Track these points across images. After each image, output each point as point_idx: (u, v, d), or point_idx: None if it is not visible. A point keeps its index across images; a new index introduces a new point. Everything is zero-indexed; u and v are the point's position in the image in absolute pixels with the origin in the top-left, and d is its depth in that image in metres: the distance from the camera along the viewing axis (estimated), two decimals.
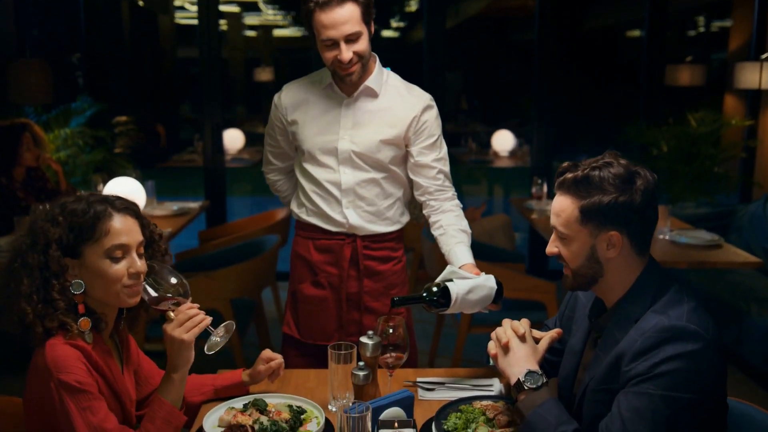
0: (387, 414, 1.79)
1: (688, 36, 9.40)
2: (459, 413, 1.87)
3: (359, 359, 1.96)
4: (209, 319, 1.78)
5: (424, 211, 2.51)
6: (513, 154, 7.11)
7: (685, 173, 5.29)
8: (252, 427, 1.80)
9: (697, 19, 9.22)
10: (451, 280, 2.10)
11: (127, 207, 1.74)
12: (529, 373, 1.69)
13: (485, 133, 7.67)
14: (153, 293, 1.78)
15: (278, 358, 2.05)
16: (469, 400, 1.95)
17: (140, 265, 1.74)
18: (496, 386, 2.13)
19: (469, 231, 2.46)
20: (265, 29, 11.67)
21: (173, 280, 1.80)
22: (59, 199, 1.74)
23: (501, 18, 10.64)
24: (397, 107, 2.43)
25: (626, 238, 1.63)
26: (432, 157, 2.45)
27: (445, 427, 1.83)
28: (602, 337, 1.70)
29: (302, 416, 1.89)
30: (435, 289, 2.06)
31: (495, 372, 2.23)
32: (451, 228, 2.42)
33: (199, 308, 1.80)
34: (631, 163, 1.65)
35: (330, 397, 2.03)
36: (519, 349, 1.74)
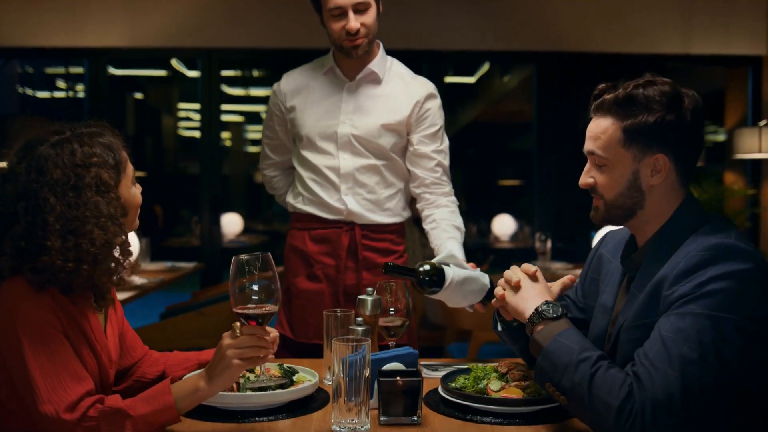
0: (389, 368, 1.61)
1: None
2: (467, 375, 1.69)
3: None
4: (270, 358, 1.53)
5: (418, 205, 2.40)
6: (514, 237, 7.03)
7: None
8: (237, 383, 1.62)
9: None
10: (448, 265, 1.94)
11: (119, 133, 1.65)
12: (547, 302, 1.51)
13: (486, 223, 7.63)
14: (238, 289, 1.51)
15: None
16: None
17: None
18: None
19: (464, 229, 2.33)
20: None
21: (269, 285, 1.52)
22: (70, 138, 1.54)
23: (497, 123, 10.86)
24: (400, 93, 2.37)
25: (673, 163, 1.49)
26: (432, 148, 2.37)
27: (453, 385, 1.64)
28: (638, 275, 1.52)
29: (294, 377, 1.70)
30: (429, 267, 1.86)
31: None
32: (444, 222, 2.30)
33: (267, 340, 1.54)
34: (675, 82, 1.51)
35: (325, 370, 1.84)
36: (532, 287, 1.56)
